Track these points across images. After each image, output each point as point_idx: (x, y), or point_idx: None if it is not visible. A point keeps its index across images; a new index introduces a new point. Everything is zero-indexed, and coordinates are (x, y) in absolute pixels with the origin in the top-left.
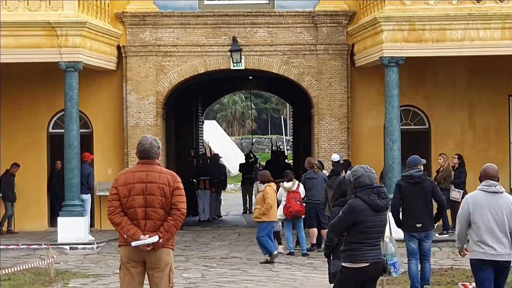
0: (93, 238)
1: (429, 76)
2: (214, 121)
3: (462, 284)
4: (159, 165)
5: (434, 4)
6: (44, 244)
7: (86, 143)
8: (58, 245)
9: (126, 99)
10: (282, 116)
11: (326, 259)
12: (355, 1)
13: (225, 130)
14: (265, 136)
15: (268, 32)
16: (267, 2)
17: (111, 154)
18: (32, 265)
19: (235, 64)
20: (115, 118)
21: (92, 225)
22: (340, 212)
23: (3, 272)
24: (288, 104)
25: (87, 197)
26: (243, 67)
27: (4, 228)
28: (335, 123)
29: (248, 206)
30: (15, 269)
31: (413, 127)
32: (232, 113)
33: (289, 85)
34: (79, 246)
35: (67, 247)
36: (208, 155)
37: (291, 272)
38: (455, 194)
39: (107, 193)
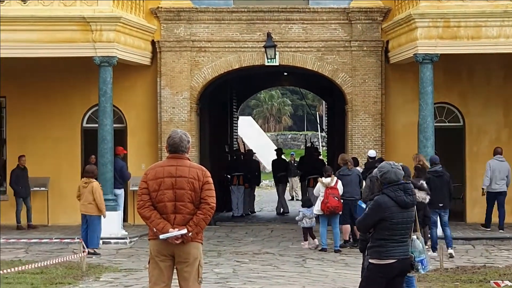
0: (126, 233)
1: (464, 74)
2: (250, 117)
3: (494, 282)
4: (189, 160)
5: (469, 1)
6: (77, 238)
7: (120, 138)
8: None
9: (160, 94)
10: (317, 113)
11: (361, 254)
12: None
13: (261, 126)
14: (300, 133)
15: (303, 28)
16: None
17: (145, 149)
18: (64, 259)
19: (269, 60)
20: (149, 113)
21: (125, 219)
22: (367, 209)
23: (36, 266)
24: (323, 101)
25: (120, 191)
26: (277, 63)
27: (24, 224)
28: (369, 119)
29: (281, 206)
30: (48, 263)
31: (447, 124)
32: (268, 109)
33: (324, 81)
34: (112, 241)
35: (100, 241)
36: (242, 151)
37: (322, 268)
38: None
39: None
